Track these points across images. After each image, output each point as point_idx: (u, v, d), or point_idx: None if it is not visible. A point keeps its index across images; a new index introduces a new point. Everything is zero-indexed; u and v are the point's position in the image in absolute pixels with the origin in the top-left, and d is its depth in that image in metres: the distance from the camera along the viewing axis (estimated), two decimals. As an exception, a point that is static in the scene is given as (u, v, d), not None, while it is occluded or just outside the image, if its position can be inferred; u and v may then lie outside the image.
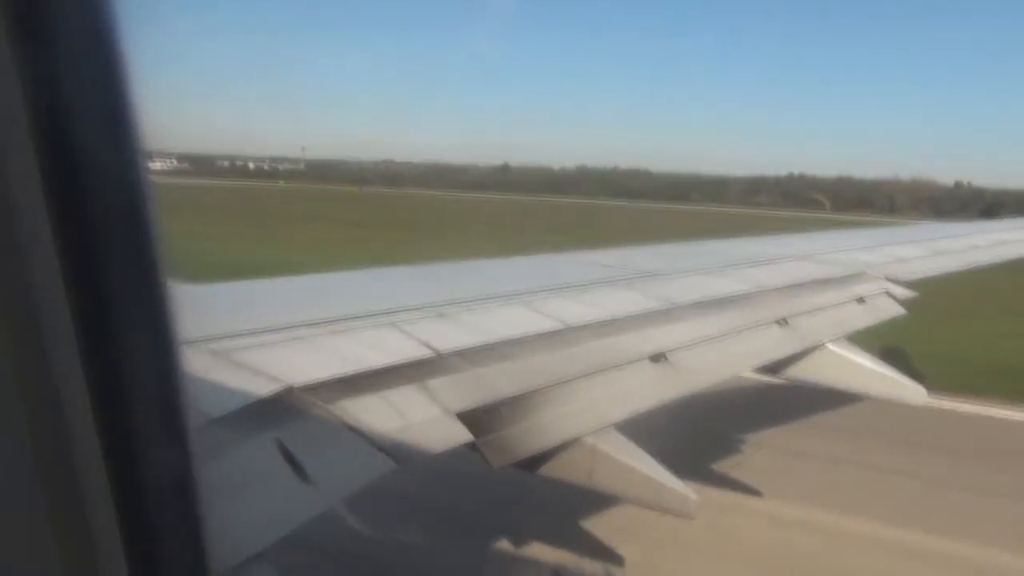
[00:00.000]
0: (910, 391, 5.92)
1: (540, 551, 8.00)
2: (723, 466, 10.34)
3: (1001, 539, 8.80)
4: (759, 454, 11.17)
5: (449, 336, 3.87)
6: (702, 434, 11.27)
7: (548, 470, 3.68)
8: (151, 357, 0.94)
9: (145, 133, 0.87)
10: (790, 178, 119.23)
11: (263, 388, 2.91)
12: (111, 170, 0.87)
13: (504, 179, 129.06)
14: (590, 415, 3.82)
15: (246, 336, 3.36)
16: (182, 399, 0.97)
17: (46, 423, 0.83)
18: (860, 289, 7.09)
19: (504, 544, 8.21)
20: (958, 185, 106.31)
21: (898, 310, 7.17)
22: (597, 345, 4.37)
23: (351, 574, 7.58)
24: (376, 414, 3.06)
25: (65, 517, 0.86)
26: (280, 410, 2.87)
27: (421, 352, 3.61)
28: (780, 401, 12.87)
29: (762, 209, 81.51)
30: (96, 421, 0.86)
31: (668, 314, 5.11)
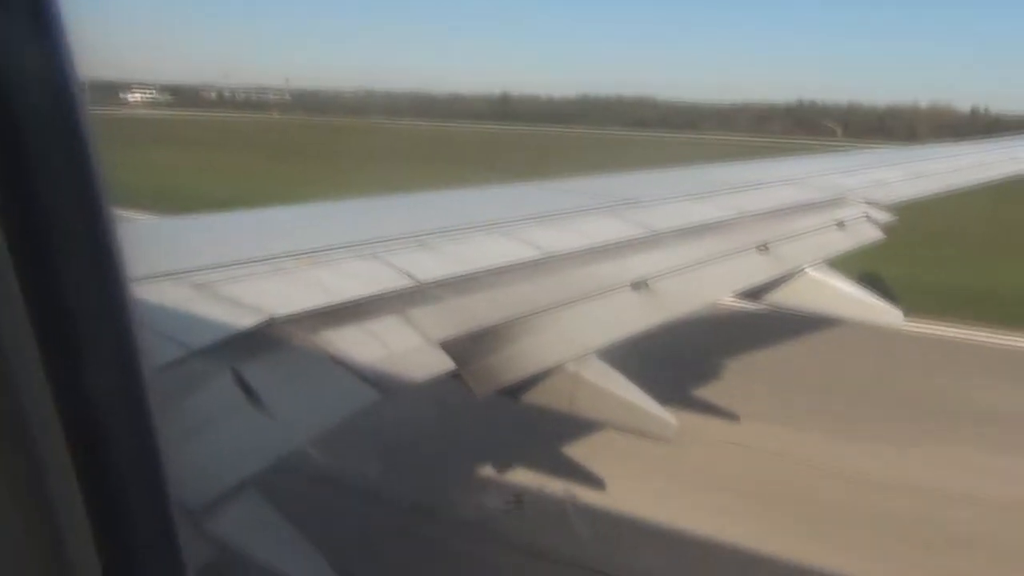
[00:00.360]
0: (887, 315, 6.00)
1: (520, 476, 8.16)
2: (703, 391, 10.50)
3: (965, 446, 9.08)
4: (738, 379, 11.35)
5: (430, 266, 3.87)
6: (682, 360, 11.42)
7: (530, 397, 3.74)
8: (99, 295, 0.92)
9: (82, 60, 0.84)
10: (799, 105, 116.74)
11: (245, 320, 2.91)
12: (43, 97, 0.84)
13: (506, 110, 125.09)
14: (572, 342, 3.86)
15: (228, 268, 3.35)
16: (135, 335, 0.96)
17: None
18: (840, 214, 7.12)
19: (482, 470, 8.36)
20: (974, 111, 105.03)
21: (877, 234, 7.22)
22: (578, 273, 4.39)
23: (338, 501, 7.72)
24: (359, 345, 3.08)
25: (18, 467, 0.86)
26: (262, 341, 2.88)
27: (402, 282, 3.62)
28: (760, 326, 13.03)
29: (774, 137, 79.99)
30: (45, 368, 0.85)
31: (649, 241, 5.12)
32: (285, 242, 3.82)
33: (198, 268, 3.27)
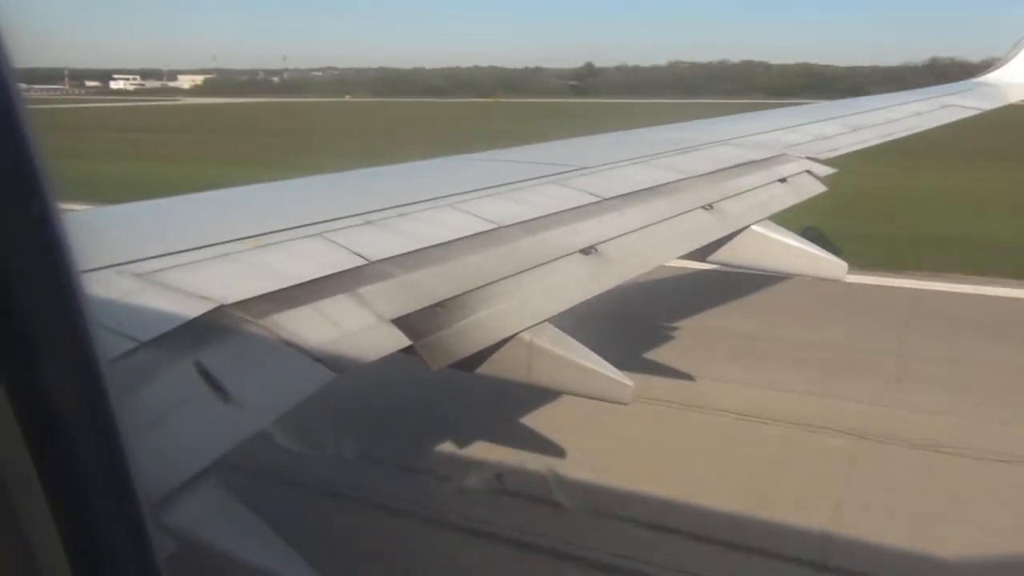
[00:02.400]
0: (832, 267, 6.12)
1: (481, 450, 8.18)
2: (656, 352, 10.64)
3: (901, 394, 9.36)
4: (689, 337, 11.51)
5: (379, 244, 3.84)
6: (634, 322, 11.55)
7: (486, 369, 3.74)
8: (50, 290, 0.89)
9: (18, 50, 0.81)
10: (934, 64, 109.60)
11: (193, 309, 2.86)
12: None
13: (595, 83, 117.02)
14: (525, 311, 3.87)
15: (173, 255, 3.28)
16: (89, 330, 0.94)
17: None
18: (782, 170, 7.21)
19: (446, 447, 8.37)
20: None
21: (819, 188, 7.33)
22: (528, 242, 4.39)
23: (295, 489, 7.68)
24: (311, 326, 3.05)
25: None
26: (212, 329, 2.83)
27: (352, 261, 3.59)
28: (708, 285, 13.22)
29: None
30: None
31: (597, 207, 5.14)
32: (230, 226, 3.75)
33: (141, 257, 3.20)
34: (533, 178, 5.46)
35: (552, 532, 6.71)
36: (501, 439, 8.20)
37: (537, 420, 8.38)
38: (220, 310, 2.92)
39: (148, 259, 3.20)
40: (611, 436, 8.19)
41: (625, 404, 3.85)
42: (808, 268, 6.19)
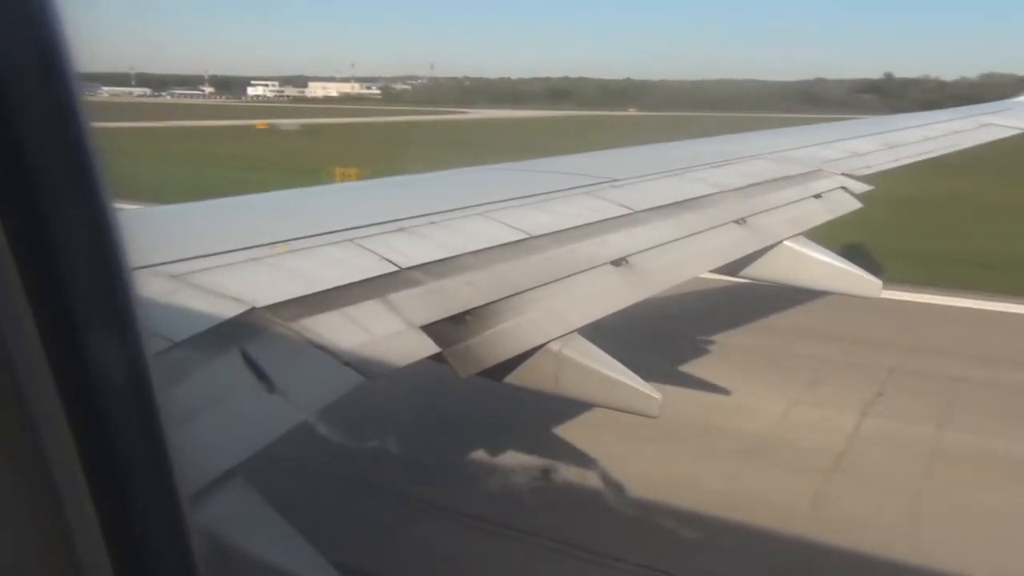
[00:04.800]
0: (866, 284, 6.03)
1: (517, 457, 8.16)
2: (687, 366, 10.56)
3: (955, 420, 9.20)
4: (721, 352, 11.41)
5: (410, 251, 3.85)
6: (663, 335, 11.48)
7: (515, 378, 3.74)
8: (101, 288, 0.91)
9: (78, 59, 0.83)
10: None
11: (226, 310, 2.89)
12: (41, 93, 0.82)
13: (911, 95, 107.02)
14: (554, 321, 3.86)
15: (206, 258, 3.32)
16: (138, 328, 0.95)
17: None
18: (817, 185, 7.14)
19: (482, 449, 8.37)
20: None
21: (855, 204, 7.25)
22: (559, 253, 4.39)
23: (326, 490, 7.70)
24: (341, 331, 3.07)
25: (27, 466, 0.85)
26: (244, 331, 2.86)
27: (383, 268, 3.60)
28: (740, 300, 13.10)
29: None
30: (48, 358, 0.84)
31: (629, 219, 5.13)
32: (263, 230, 3.78)
33: (176, 259, 3.23)
34: (565, 189, 5.46)
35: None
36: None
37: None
38: (252, 312, 2.94)
39: (183, 261, 3.24)
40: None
41: (654, 417, 3.83)
42: (841, 285, 6.12)
